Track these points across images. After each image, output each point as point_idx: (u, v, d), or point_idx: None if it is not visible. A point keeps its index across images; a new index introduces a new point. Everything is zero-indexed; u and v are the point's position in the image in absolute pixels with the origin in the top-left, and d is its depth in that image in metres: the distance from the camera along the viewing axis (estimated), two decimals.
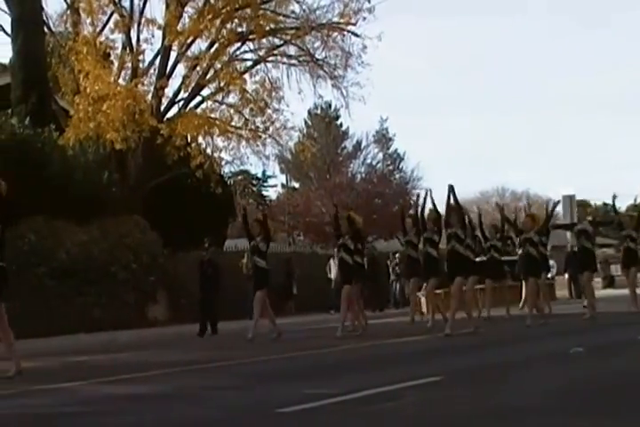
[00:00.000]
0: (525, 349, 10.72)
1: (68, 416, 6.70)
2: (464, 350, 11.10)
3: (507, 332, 13.91)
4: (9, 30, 21.15)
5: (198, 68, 21.97)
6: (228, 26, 21.89)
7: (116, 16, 21.65)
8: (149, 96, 21.66)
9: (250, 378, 8.76)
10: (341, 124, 46.38)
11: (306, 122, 45.56)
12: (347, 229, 14.18)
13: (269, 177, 49.52)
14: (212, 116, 22.36)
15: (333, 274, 22.40)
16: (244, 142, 22.37)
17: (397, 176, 46.45)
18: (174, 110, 22.52)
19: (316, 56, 23.46)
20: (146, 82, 21.72)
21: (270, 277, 14.40)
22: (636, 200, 27.73)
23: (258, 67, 22.95)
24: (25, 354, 13.02)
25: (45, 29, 22.03)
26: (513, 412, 5.87)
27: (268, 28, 22.41)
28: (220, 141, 22.35)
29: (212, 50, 21.91)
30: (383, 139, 46.61)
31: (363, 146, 46.17)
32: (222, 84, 21.98)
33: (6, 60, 24.08)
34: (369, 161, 46.25)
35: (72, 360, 12.00)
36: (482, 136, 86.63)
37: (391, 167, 46.96)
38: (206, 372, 9.75)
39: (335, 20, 23.07)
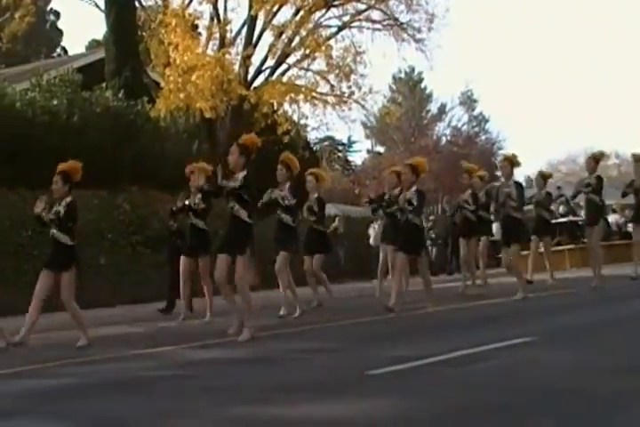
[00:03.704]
0: (620, 308, 10.58)
1: (164, 379, 6.93)
2: (559, 310, 10.99)
3: (602, 291, 13.56)
4: (103, 6, 21.75)
5: (284, 36, 22.18)
6: None
7: None
8: (237, 65, 22.04)
9: (337, 341, 8.91)
10: (425, 88, 46.20)
11: (390, 86, 45.52)
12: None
13: (354, 142, 49.63)
14: (298, 83, 22.62)
15: (372, 240, 21.70)
16: (329, 108, 22.65)
17: (483, 138, 46.16)
18: (261, 78, 22.89)
19: (400, 20, 23.46)
20: (233, 51, 22.09)
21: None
22: None
23: (342, 33, 23.07)
24: (122, 320, 13.67)
25: (136, 4, 22.56)
26: (613, 371, 5.80)
27: None
28: (305, 108, 22.67)
29: (298, 17, 22.06)
30: (468, 101, 46.23)
31: (447, 108, 45.90)
32: (308, 51, 22.18)
33: (100, 36, 24.83)
34: (454, 123, 46.00)
35: (165, 326, 12.32)
36: (569, 96, 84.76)
37: (476, 129, 46.65)
38: (294, 336, 9.90)
39: None
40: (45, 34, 39.93)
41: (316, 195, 12.58)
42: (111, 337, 11.70)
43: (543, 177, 15.65)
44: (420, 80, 45.71)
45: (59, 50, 41.67)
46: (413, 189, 11.16)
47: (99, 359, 8.49)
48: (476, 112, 46.61)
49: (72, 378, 7.39)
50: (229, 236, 9.23)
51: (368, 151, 48.79)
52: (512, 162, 12.67)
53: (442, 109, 46.09)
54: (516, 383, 5.62)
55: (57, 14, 42.37)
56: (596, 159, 13.88)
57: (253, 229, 9.17)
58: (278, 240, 11.92)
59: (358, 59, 22.36)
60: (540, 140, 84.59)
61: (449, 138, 44.74)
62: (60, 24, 42.55)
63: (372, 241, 21.99)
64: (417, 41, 23.44)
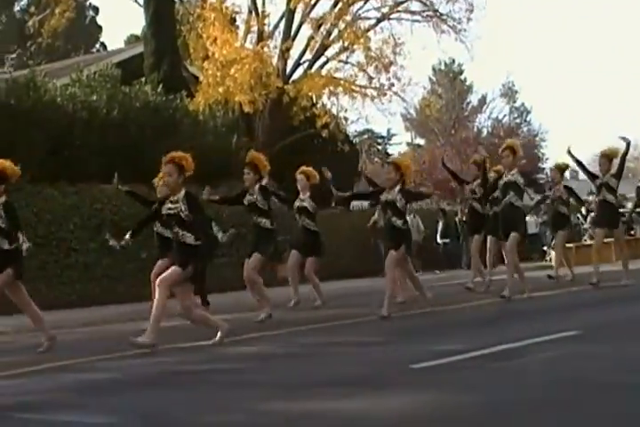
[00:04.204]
0: None
1: (204, 374, 6.93)
2: (604, 304, 10.80)
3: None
4: (141, 1, 21.82)
5: (322, 29, 22.14)
6: None
7: None
8: (275, 58, 22.07)
9: (380, 335, 8.86)
10: (466, 79, 45.89)
11: (430, 78, 45.30)
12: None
13: (394, 135, 49.48)
14: (337, 75, 22.56)
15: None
16: (368, 101, 22.53)
17: (525, 129, 45.76)
18: (299, 72, 22.85)
19: (440, 10, 23.29)
20: (271, 45, 22.19)
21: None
22: None
23: (381, 24, 22.98)
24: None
25: None
26: None
27: None
28: (344, 101, 22.57)
29: (336, 9, 21.99)
30: (509, 92, 45.86)
31: (488, 100, 45.56)
32: (346, 44, 22.11)
33: (138, 31, 24.87)
34: (495, 115, 45.64)
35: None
36: (615, 86, 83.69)
37: (518, 120, 46.28)
38: (334, 330, 9.84)
39: None
40: (85, 29, 40.19)
41: (308, 194, 12.21)
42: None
43: (559, 169, 14.85)
44: (461, 72, 45.40)
45: (98, 45, 41.99)
46: (397, 188, 10.48)
47: (137, 353, 8.44)
48: (517, 103, 46.22)
49: (110, 373, 7.38)
50: (173, 259, 8.67)
51: (408, 144, 48.61)
52: (514, 151, 11.84)
53: (482, 101, 45.77)
54: (560, 378, 5.52)
55: (96, 10, 42.65)
56: (609, 158, 13.08)
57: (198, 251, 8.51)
58: (257, 245, 10.99)
59: (397, 50, 22.25)
60: (584, 131, 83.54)
61: (490, 130, 44.40)
62: (98, 19, 42.84)
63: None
64: (457, 32, 23.30)
